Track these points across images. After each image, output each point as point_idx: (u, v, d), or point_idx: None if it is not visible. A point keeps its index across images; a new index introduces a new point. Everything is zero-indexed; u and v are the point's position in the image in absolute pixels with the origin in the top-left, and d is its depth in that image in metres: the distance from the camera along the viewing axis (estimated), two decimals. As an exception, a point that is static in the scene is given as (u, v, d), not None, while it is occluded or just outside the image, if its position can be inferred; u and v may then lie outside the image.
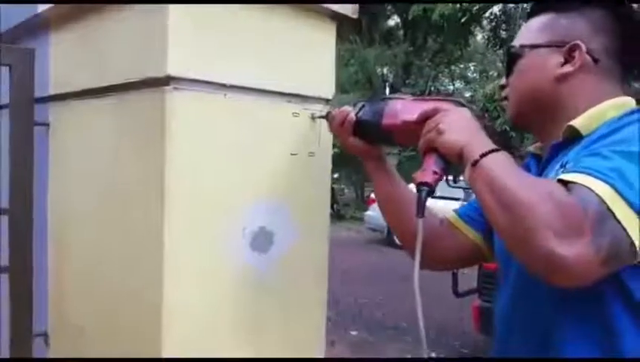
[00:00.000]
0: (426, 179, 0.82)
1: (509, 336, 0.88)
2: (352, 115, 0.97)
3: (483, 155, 0.74)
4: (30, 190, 1.18)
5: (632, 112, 0.78)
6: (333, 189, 13.56)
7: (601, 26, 0.85)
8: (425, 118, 0.86)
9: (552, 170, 0.82)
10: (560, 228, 0.64)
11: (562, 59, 0.86)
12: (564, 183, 0.68)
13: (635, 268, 0.70)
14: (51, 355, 1.27)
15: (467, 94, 15.24)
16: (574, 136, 0.82)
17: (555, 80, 0.86)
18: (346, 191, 16.25)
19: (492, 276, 3.64)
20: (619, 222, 0.64)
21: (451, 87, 16.72)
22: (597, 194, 0.65)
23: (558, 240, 0.64)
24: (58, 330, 1.27)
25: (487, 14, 15.60)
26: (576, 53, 0.84)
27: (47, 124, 1.26)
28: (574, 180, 0.67)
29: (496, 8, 15.07)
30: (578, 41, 0.84)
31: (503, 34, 16.78)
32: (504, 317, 0.90)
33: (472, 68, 19.68)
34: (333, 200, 13.43)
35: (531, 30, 0.91)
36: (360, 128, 0.97)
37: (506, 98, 0.95)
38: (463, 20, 15.37)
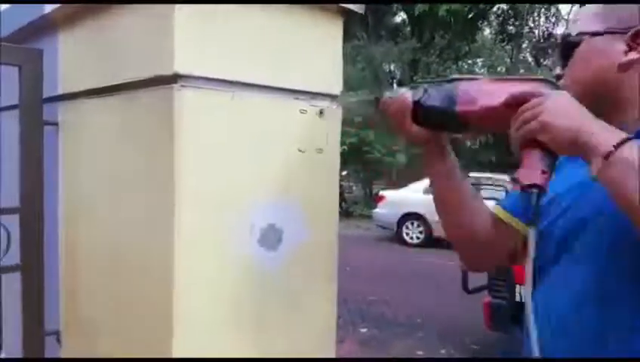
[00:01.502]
0: (535, 181, 0.70)
1: (564, 335, 0.81)
2: (410, 99, 0.84)
3: (618, 145, 0.65)
4: (40, 189, 1.19)
5: None
6: (341, 186, 13.56)
7: None
8: (514, 103, 0.75)
9: None
10: None
11: (625, 47, 0.80)
12: None
13: None
14: (63, 353, 1.28)
15: (475, 90, 15.10)
16: None
17: (619, 68, 0.81)
18: (354, 188, 16.23)
19: (502, 273, 3.62)
20: None
21: (459, 83, 16.58)
22: None
23: None
24: (70, 328, 1.28)
25: (494, 9, 15.49)
26: None
27: (56, 124, 1.27)
28: None
29: (503, 3, 14.96)
30: None
31: (511, 29, 16.66)
32: (559, 315, 0.83)
33: (479, 63, 19.53)
34: (341, 197, 13.43)
35: (588, 17, 0.85)
36: (425, 115, 0.83)
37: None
38: (470, 16, 15.29)
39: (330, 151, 1.09)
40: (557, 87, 0.78)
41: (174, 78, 0.88)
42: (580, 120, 0.71)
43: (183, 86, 0.89)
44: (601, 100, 0.83)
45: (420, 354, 4.29)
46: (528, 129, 0.73)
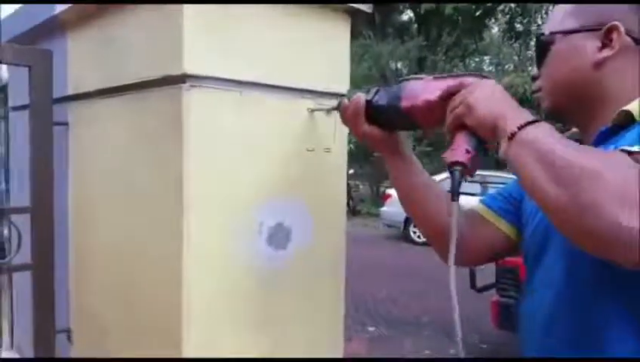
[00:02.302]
0: (458, 158, 0.74)
1: (551, 328, 0.82)
2: (363, 100, 0.90)
3: (522, 126, 0.67)
4: (51, 189, 1.20)
5: None
6: (348, 185, 13.53)
7: (637, 2, 0.80)
8: (449, 94, 0.79)
9: None
10: (630, 199, 0.57)
11: (599, 44, 0.80)
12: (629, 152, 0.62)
13: None
14: (74, 351, 1.30)
15: (482, 88, 15.02)
16: (627, 122, 0.75)
17: (594, 66, 0.80)
18: (361, 187, 16.22)
19: (510, 271, 3.60)
20: None
21: (466, 81, 16.53)
22: None
23: (626, 210, 0.56)
24: (81, 326, 1.29)
25: (501, 7, 15.40)
26: (614, 35, 0.78)
27: (66, 124, 1.28)
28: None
29: (511, 2, 14.88)
30: (615, 22, 0.78)
31: (519, 26, 16.56)
32: (544, 310, 0.83)
33: (487, 61, 19.45)
34: (348, 196, 13.41)
35: (562, 15, 0.85)
36: (376, 114, 0.89)
37: (538, 90, 0.88)
38: (477, 14, 15.21)
39: (337, 150, 1.09)
40: (487, 77, 0.81)
41: (183, 78, 0.89)
42: (500, 106, 0.73)
43: (192, 86, 0.89)
44: (580, 99, 0.83)
45: (427, 353, 4.29)
46: (455, 113, 0.77)
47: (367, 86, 0.98)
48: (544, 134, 0.66)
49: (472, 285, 3.81)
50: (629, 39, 0.79)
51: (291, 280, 1.04)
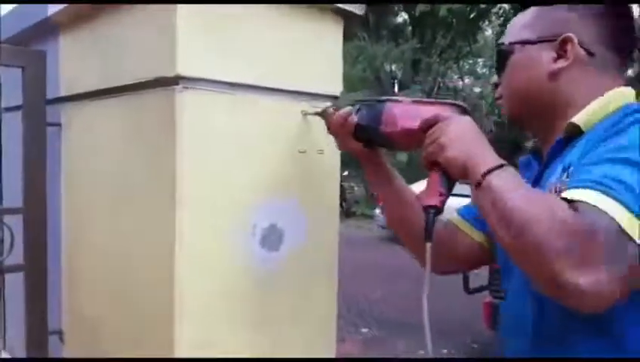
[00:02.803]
0: (432, 203, 0.79)
1: (523, 335, 0.84)
2: (354, 118, 0.92)
3: (485, 174, 0.70)
4: (43, 190, 1.20)
5: (637, 109, 0.72)
6: (342, 187, 13.55)
7: (595, 15, 0.81)
8: (426, 126, 0.82)
9: (554, 172, 0.78)
10: (570, 256, 0.60)
11: (555, 54, 0.82)
12: (570, 201, 0.64)
13: None
14: (66, 352, 1.29)
15: (477, 89, 15.14)
16: (576, 133, 0.78)
17: (549, 77, 0.82)
18: (355, 188, 16.23)
19: (503, 273, 3.62)
20: (632, 239, 0.60)
21: (460, 83, 16.62)
22: (606, 213, 0.61)
23: (570, 268, 0.60)
24: (73, 327, 1.29)
25: (495, 9, 15.47)
26: (569, 47, 0.81)
27: (59, 125, 1.28)
28: (579, 198, 0.63)
29: (505, 3, 14.95)
30: (569, 34, 0.80)
31: (513, 29, 16.59)
32: (516, 317, 0.87)
33: (481, 63, 19.53)
34: (342, 197, 13.41)
35: (520, 26, 0.87)
36: (358, 132, 0.93)
37: (500, 97, 0.91)
38: (471, 16, 15.28)
39: (330, 152, 1.10)
40: (463, 109, 0.84)
41: (176, 80, 0.89)
42: (470, 147, 0.75)
43: (185, 88, 0.90)
44: (536, 109, 0.85)
45: (421, 353, 4.30)
46: (429, 151, 0.79)
47: (355, 97, 1.00)
48: (505, 183, 0.69)
49: (465, 287, 3.83)
50: (582, 51, 0.81)
51: (284, 282, 1.05)
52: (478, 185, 0.71)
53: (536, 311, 0.80)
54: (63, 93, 1.26)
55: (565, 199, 0.65)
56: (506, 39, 0.88)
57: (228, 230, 0.96)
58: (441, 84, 14.53)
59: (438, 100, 0.88)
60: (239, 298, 0.99)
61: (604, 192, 0.63)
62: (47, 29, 1.27)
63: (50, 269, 1.22)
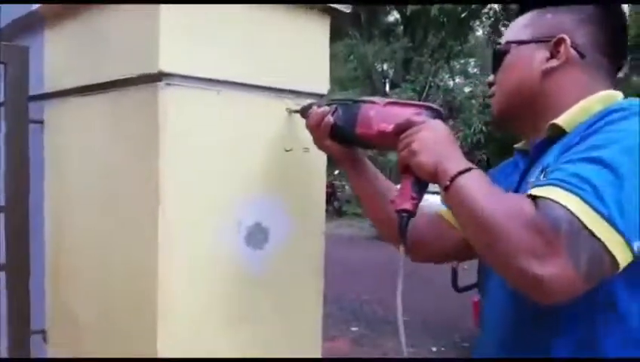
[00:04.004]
0: (405, 206, 0.81)
1: (500, 328, 0.87)
2: (330, 119, 0.93)
3: (452, 179, 0.73)
4: (26, 187, 1.19)
5: (618, 109, 0.73)
6: (333, 186, 13.55)
7: (588, 18, 0.83)
8: (399, 130, 0.84)
9: (535, 172, 0.80)
10: (533, 249, 0.63)
11: (548, 54, 0.84)
12: (535, 197, 0.67)
13: (625, 276, 0.67)
14: (50, 352, 1.28)
15: (467, 89, 15.21)
16: (558, 134, 0.80)
17: (541, 75, 0.84)
18: (346, 187, 16.25)
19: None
20: (594, 235, 0.63)
21: (451, 83, 16.69)
22: (568, 209, 0.63)
23: (533, 261, 0.63)
24: (56, 327, 1.27)
25: (486, 10, 15.56)
26: (562, 48, 0.83)
27: (41, 122, 1.26)
28: (544, 195, 0.66)
29: (496, 4, 15.05)
30: (563, 35, 0.82)
31: (504, 29, 16.72)
32: (497, 309, 0.89)
33: (472, 63, 19.63)
34: (334, 196, 13.42)
35: (518, 26, 0.89)
36: (334, 131, 0.94)
37: (492, 95, 0.93)
38: (462, 16, 15.35)
39: (316, 150, 1.09)
40: (437, 112, 0.85)
41: (159, 77, 0.88)
42: (439, 152, 0.77)
43: (167, 84, 0.89)
44: (527, 106, 0.87)
45: (410, 351, 4.31)
46: (402, 156, 0.82)
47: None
48: (470, 185, 0.71)
49: (454, 285, 3.84)
50: (574, 52, 0.83)
51: (269, 280, 1.04)
52: (446, 189, 0.74)
53: (513, 305, 0.82)
54: (46, 89, 1.24)
55: (530, 196, 0.67)
56: (504, 39, 0.91)
57: (212, 228, 0.96)
58: (432, 84, 14.57)
59: (413, 102, 0.89)
60: (224, 296, 0.98)
61: (567, 189, 0.65)
62: (32, 24, 1.26)
63: (33, 268, 1.20)
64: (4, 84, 1.15)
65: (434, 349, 4.31)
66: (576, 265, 0.63)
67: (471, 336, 4.44)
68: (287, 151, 1.05)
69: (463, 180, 0.72)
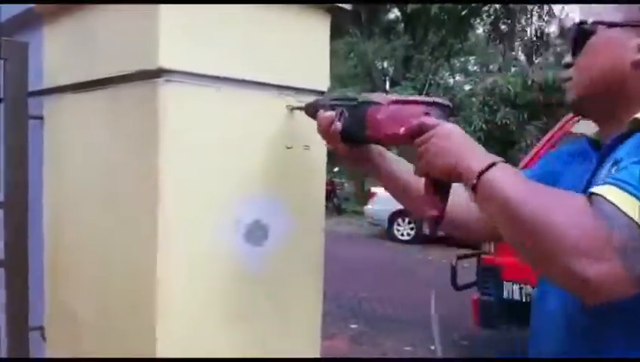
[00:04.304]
0: (432, 213, 0.81)
1: (555, 335, 0.82)
2: (338, 125, 0.90)
3: (479, 175, 0.68)
4: (25, 183, 1.18)
5: None
6: (333, 183, 13.56)
7: None
8: (411, 134, 0.81)
9: (606, 166, 0.75)
10: (585, 249, 0.59)
11: None
12: (592, 195, 0.63)
13: None
14: (48, 348, 1.28)
15: (467, 87, 15.20)
16: (636, 129, 0.73)
17: (632, 65, 0.77)
18: (345, 185, 16.25)
19: (491, 270, 3.65)
20: None
21: (451, 81, 16.68)
22: (625, 213, 0.59)
23: (583, 260, 0.59)
24: (55, 323, 1.27)
25: (486, 8, 15.54)
26: None
27: (41, 118, 1.26)
28: (602, 194, 0.62)
29: (496, 3, 15.03)
30: None
31: (504, 27, 16.73)
32: (549, 316, 0.84)
33: (472, 61, 19.61)
34: (333, 194, 13.43)
35: (607, 6, 0.81)
36: (344, 136, 0.92)
37: (569, 79, 0.85)
38: (463, 14, 15.33)
39: (316, 148, 1.09)
40: (447, 109, 0.82)
41: (158, 73, 0.88)
42: (454, 154, 0.74)
43: (167, 80, 0.88)
44: (610, 96, 0.80)
45: (408, 349, 4.33)
46: (420, 166, 0.80)
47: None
48: (505, 177, 0.68)
49: (453, 283, 3.85)
50: None
51: (269, 277, 1.04)
52: (474, 188, 0.70)
53: (571, 306, 0.78)
54: (45, 85, 1.24)
55: (590, 194, 0.63)
56: (589, 17, 0.82)
57: (211, 225, 0.95)
58: (433, 81, 14.57)
59: (418, 99, 0.85)
60: (223, 293, 0.98)
61: (628, 191, 0.61)
62: (31, 20, 1.25)
63: (32, 265, 1.20)
64: (3, 80, 1.15)
65: (432, 347, 4.31)
66: (631, 267, 0.59)
67: (470, 335, 4.44)
68: (287, 148, 1.04)
69: (490, 175, 0.68)
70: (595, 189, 0.63)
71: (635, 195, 0.60)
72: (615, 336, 0.73)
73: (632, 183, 0.61)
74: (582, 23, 0.82)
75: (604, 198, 0.61)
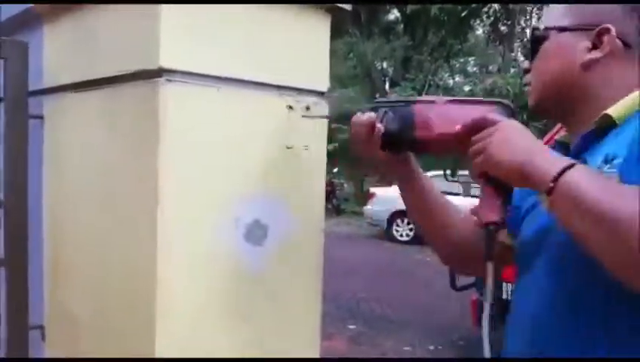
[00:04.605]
0: (492, 219, 0.73)
1: (540, 333, 0.81)
2: (381, 126, 0.84)
3: (556, 178, 0.65)
4: (25, 183, 1.18)
5: None
6: (332, 184, 13.57)
7: (636, 6, 0.78)
8: (468, 132, 0.76)
9: (592, 163, 0.74)
10: None
11: (590, 44, 0.79)
12: None
13: None
14: (47, 348, 1.28)
15: (466, 88, 15.21)
16: (608, 126, 0.75)
17: (582, 67, 0.79)
18: (345, 185, 16.25)
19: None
20: None
21: (451, 82, 16.69)
22: None
23: None
24: (54, 322, 1.27)
25: (486, 9, 15.55)
26: (605, 38, 0.77)
27: (41, 117, 1.26)
28: None
29: (495, 3, 15.04)
30: (607, 25, 0.77)
31: (503, 28, 16.74)
32: (533, 315, 0.82)
33: (471, 62, 19.62)
34: (333, 195, 13.43)
35: (559, 12, 0.84)
36: (386, 140, 0.83)
37: (528, 83, 0.87)
38: (462, 15, 15.34)
39: (316, 148, 1.09)
40: (510, 110, 0.79)
41: (159, 73, 0.88)
42: (522, 153, 0.70)
43: (168, 80, 0.89)
44: (566, 98, 0.82)
45: (407, 349, 4.33)
46: (478, 163, 0.74)
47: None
48: (584, 182, 0.64)
49: (452, 284, 3.85)
50: (620, 43, 0.78)
51: (268, 277, 1.04)
52: (550, 191, 0.65)
53: (543, 311, 0.78)
54: (46, 84, 1.24)
55: None
56: (542, 24, 0.85)
57: (211, 225, 0.95)
58: (432, 82, 14.58)
59: (479, 99, 0.81)
60: (222, 292, 0.98)
61: None
62: (31, 20, 1.25)
63: (31, 263, 1.20)
64: (3, 80, 1.15)
65: (431, 348, 4.31)
66: None
67: (469, 335, 4.44)
68: (287, 148, 1.05)
69: (569, 179, 0.64)
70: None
71: None
72: (598, 335, 0.72)
73: None
74: (535, 29, 0.85)
75: None
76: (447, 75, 16.84)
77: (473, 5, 15.00)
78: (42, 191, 1.28)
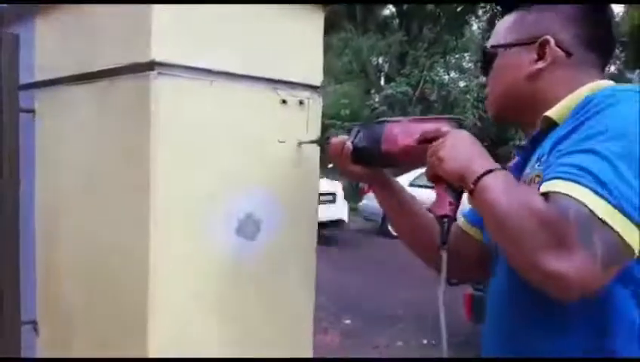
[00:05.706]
0: (445, 212, 0.83)
1: (510, 334, 0.86)
2: (349, 144, 0.97)
3: (476, 181, 0.73)
4: (16, 178, 1.18)
5: (610, 93, 0.73)
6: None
7: (572, 16, 0.84)
8: (424, 140, 0.86)
9: (530, 164, 0.82)
10: (548, 243, 0.63)
11: (535, 56, 0.85)
12: (545, 193, 0.67)
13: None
14: (40, 343, 1.27)
15: (462, 84, 15.22)
16: (551, 126, 0.81)
17: (529, 77, 0.86)
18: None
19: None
20: (606, 224, 0.62)
21: (446, 77, 16.70)
22: (578, 201, 0.63)
23: (550, 256, 0.63)
24: (47, 318, 1.27)
25: (482, 4, 15.55)
26: (547, 49, 0.84)
27: (32, 111, 1.25)
28: (553, 189, 0.66)
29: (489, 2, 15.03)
30: (547, 36, 0.84)
31: (499, 24, 16.71)
32: (499, 309, 0.88)
33: (467, 58, 19.61)
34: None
35: (503, 28, 0.91)
36: (358, 155, 0.97)
37: (487, 97, 0.96)
38: (458, 10, 15.33)
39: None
40: (459, 123, 0.88)
41: (151, 66, 0.87)
42: (463, 158, 0.78)
43: (160, 73, 0.88)
44: (519, 108, 0.89)
45: (400, 344, 4.35)
46: (430, 165, 0.83)
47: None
48: (493, 187, 0.71)
49: (446, 278, 3.87)
50: (560, 51, 0.84)
51: (260, 271, 1.04)
52: (471, 193, 0.74)
53: (514, 301, 0.83)
54: (37, 78, 1.23)
55: (542, 194, 0.68)
56: (490, 42, 0.92)
57: (203, 219, 0.95)
58: (428, 78, 14.57)
59: (435, 116, 0.92)
60: (214, 287, 0.98)
61: (573, 181, 0.65)
62: (22, 12, 1.24)
63: (23, 259, 1.20)
64: (-6, 72, 1.14)
65: (424, 341, 4.33)
66: (593, 256, 0.62)
67: (462, 329, 4.47)
68: (280, 142, 1.04)
69: (485, 182, 0.72)
70: (544, 186, 0.68)
71: (580, 183, 0.64)
72: (575, 324, 0.75)
73: (569, 171, 0.66)
74: (485, 48, 0.93)
75: (554, 192, 0.66)
76: (442, 70, 16.82)
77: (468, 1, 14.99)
78: (34, 185, 1.27)
